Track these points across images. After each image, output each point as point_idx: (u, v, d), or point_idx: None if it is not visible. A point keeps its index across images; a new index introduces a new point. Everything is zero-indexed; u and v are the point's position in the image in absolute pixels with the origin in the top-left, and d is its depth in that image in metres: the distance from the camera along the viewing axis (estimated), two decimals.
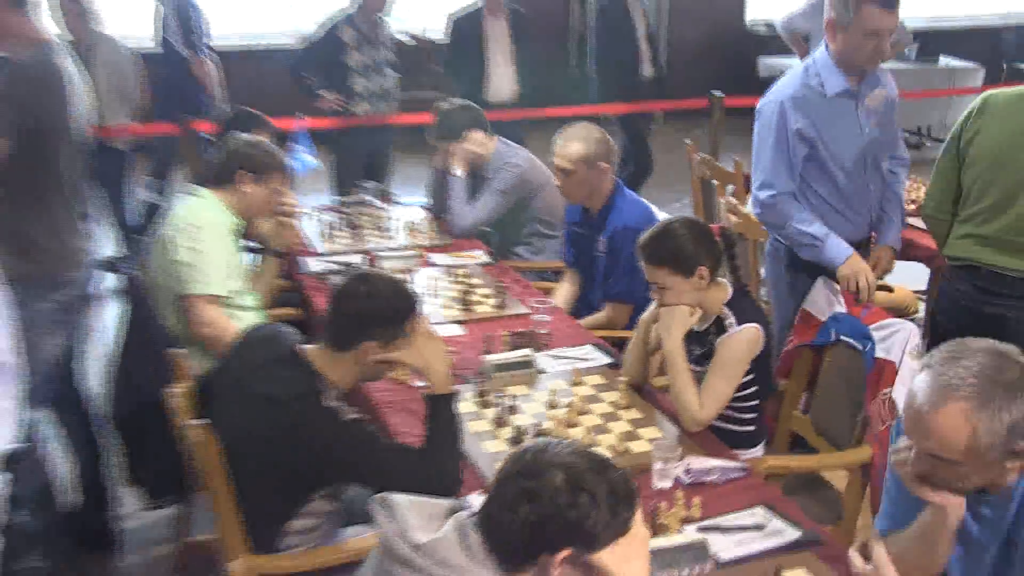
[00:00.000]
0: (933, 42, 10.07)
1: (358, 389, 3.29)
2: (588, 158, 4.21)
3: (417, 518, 1.89)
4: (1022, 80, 6.94)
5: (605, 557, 1.85)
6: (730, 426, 3.29)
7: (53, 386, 3.69)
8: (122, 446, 3.83)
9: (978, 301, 3.60)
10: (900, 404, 2.83)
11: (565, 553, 1.82)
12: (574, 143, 4.23)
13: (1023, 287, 3.53)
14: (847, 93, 3.76)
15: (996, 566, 2.27)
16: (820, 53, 3.79)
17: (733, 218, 4.84)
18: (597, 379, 3.51)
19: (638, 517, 1.90)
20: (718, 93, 7.38)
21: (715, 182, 5.50)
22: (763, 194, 3.84)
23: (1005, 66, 10.33)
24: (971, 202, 3.64)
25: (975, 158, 3.61)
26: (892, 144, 4.03)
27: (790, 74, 3.91)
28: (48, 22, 3.59)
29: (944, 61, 10.04)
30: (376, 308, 2.77)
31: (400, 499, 1.93)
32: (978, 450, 2.09)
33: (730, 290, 3.27)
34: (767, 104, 3.88)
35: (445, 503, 1.97)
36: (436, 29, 9.92)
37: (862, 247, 3.93)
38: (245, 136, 4.12)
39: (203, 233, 3.80)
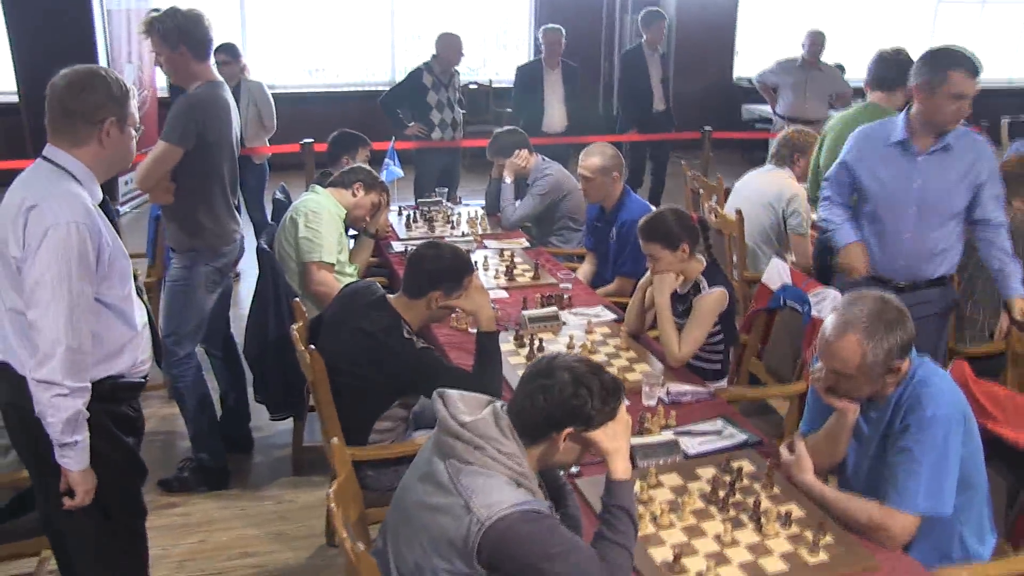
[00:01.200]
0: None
1: (429, 330, 3.44)
2: (604, 169, 4.32)
3: (464, 405, 2.04)
4: None
5: (597, 434, 2.00)
6: (702, 364, 3.39)
7: (206, 328, 3.88)
8: (250, 373, 4.01)
9: None
10: None
11: (569, 431, 1.97)
12: (593, 157, 4.33)
13: None
14: (901, 144, 3.39)
15: (876, 453, 2.40)
16: (911, 110, 3.41)
17: (713, 218, 4.92)
18: (605, 329, 3.62)
19: (623, 408, 2.04)
20: (708, 128, 7.46)
21: (701, 191, 5.59)
22: (821, 194, 3.72)
23: None
24: None
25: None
26: (953, 205, 3.40)
27: (888, 118, 3.62)
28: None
29: None
30: (441, 266, 2.91)
31: (453, 392, 2.08)
32: (866, 367, 2.25)
33: (705, 262, 3.38)
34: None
35: (485, 397, 2.11)
36: (499, 79, 10.16)
37: (902, 290, 3.40)
38: (365, 166, 4.35)
39: (320, 218, 3.97)
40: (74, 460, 2.32)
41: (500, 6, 10.95)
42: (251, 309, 3.84)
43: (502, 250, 4.62)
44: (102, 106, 2.36)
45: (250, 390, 4.07)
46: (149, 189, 3.63)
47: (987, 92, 11.85)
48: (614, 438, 2.01)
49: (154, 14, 3.54)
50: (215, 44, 3.74)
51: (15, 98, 7.72)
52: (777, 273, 3.74)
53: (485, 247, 4.75)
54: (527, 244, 4.87)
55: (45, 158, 2.39)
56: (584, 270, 4.62)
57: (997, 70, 12.58)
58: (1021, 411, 2.62)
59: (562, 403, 1.94)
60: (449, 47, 6.39)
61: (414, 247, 3.10)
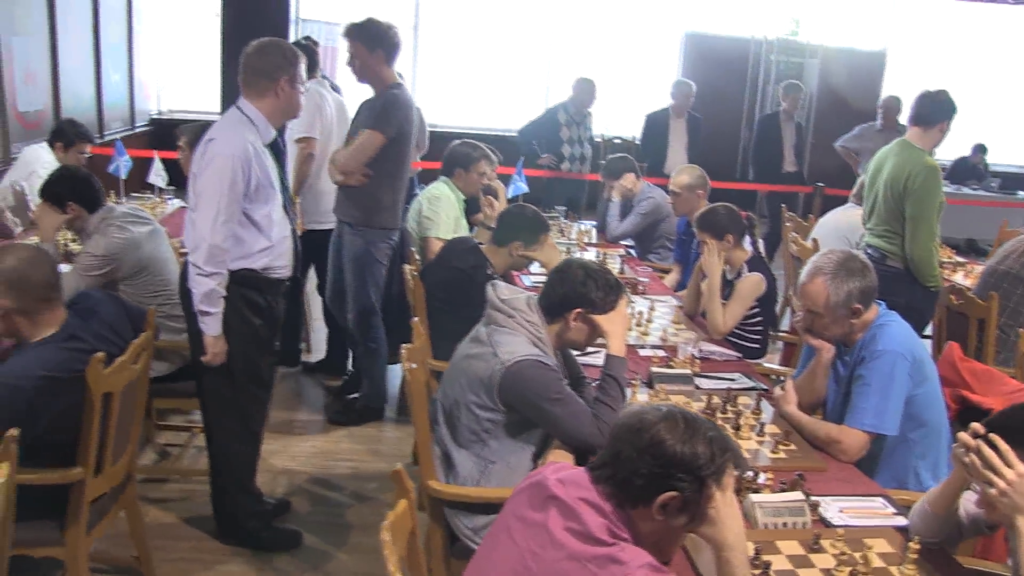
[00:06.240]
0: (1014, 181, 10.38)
1: (510, 277, 4.11)
2: (690, 186, 4.93)
3: (507, 291, 2.75)
4: None
5: (600, 318, 2.66)
6: (742, 343, 3.94)
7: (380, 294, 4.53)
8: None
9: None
10: None
11: (578, 311, 2.64)
12: (683, 175, 4.96)
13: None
14: None
15: (847, 390, 2.86)
16: None
17: (795, 247, 5.45)
18: (665, 309, 4.21)
19: (623, 302, 2.69)
20: (820, 184, 8.00)
21: (789, 224, 6.15)
22: None
23: None
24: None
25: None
26: None
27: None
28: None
29: (1021, 194, 10.27)
30: (522, 222, 3.67)
31: (501, 283, 2.80)
32: (831, 306, 2.77)
33: (750, 252, 3.96)
34: None
35: (526, 291, 2.82)
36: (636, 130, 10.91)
37: None
38: (459, 144, 4.98)
39: (440, 202, 4.75)
40: (208, 326, 3.09)
41: (653, 67, 11.73)
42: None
43: (598, 252, 5.28)
44: (279, 67, 3.17)
45: None
46: (351, 172, 4.16)
47: None
48: (613, 322, 2.66)
49: (357, 21, 4.20)
50: None
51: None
52: None
53: (586, 250, 5.43)
54: (623, 252, 5.52)
55: (236, 106, 3.23)
56: (671, 278, 5.16)
57: None
58: (994, 381, 3.09)
59: (573, 289, 2.62)
60: (584, 90, 7.19)
61: None
